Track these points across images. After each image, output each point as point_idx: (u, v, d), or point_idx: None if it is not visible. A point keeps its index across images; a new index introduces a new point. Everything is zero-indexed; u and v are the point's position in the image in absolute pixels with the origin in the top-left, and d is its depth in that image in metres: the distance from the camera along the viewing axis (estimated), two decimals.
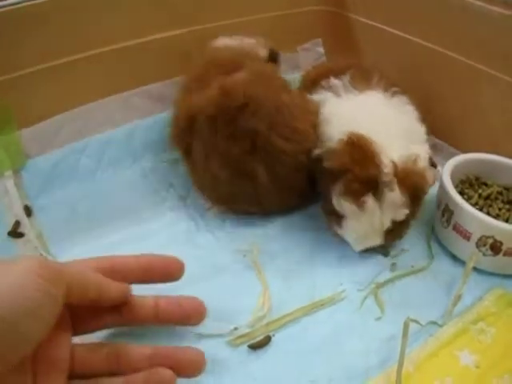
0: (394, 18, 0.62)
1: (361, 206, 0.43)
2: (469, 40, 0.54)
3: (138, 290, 0.37)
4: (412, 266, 0.47)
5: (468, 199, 0.48)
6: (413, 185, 0.42)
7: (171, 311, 0.37)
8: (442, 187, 0.48)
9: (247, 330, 0.40)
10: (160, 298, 0.38)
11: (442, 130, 0.61)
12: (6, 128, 0.52)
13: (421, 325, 0.40)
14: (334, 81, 0.51)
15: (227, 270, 0.46)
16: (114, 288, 0.35)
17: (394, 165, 0.42)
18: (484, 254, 0.45)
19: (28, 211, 0.51)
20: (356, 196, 0.43)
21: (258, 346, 0.39)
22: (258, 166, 0.47)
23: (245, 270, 0.46)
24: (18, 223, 0.50)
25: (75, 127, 0.56)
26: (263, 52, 0.52)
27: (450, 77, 0.57)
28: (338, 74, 0.51)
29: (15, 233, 0.49)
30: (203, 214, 0.53)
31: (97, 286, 0.34)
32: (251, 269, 0.46)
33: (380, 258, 0.48)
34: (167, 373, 0.33)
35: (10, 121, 0.52)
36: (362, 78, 0.50)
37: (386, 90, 0.49)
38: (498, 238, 0.43)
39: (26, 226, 0.49)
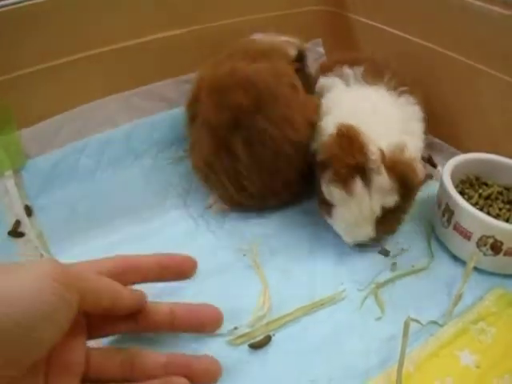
0: (394, 18, 0.62)
1: (349, 191, 0.43)
2: (468, 40, 0.54)
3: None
4: (412, 266, 0.47)
5: (468, 199, 0.48)
6: (401, 173, 0.43)
7: (186, 319, 0.37)
8: (442, 187, 0.48)
9: (247, 330, 0.40)
10: (176, 304, 0.37)
11: (442, 130, 0.61)
12: (6, 128, 0.52)
13: (421, 324, 0.40)
14: (346, 69, 0.51)
15: (227, 270, 0.46)
16: (128, 296, 0.34)
17: (382, 152, 0.43)
18: (484, 254, 0.45)
19: (28, 211, 0.51)
20: (344, 181, 0.43)
21: (258, 346, 0.39)
22: (238, 142, 0.48)
23: (245, 270, 0.46)
24: (18, 223, 0.50)
25: (75, 127, 0.56)
26: (293, 51, 0.53)
27: (450, 77, 0.57)
28: (353, 64, 0.52)
29: (15, 232, 0.49)
30: (203, 214, 0.53)
31: (111, 295, 0.33)
32: (251, 268, 0.46)
33: (380, 257, 0.48)
34: (182, 381, 0.33)
35: (10, 121, 0.52)
36: (375, 73, 0.50)
37: (394, 88, 0.49)
38: (499, 237, 0.43)
39: (27, 226, 0.49)
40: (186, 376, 0.34)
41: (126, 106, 0.59)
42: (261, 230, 0.51)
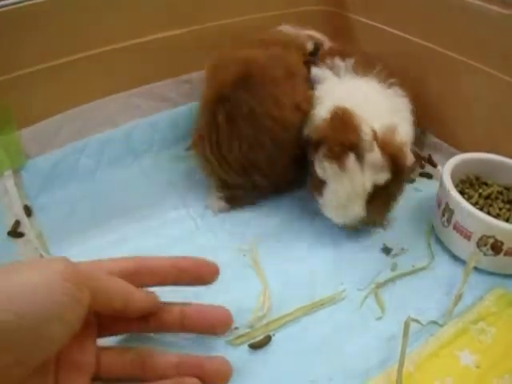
0: (394, 17, 0.62)
1: (342, 166, 0.44)
2: (468, 39, 0.54)
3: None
4: (412, 266, 0.47)
5: (468, 199, 0.48)
6: (391, 153, 0.44)
7: (196, 320, 0.37)
8: (442, 186, 0.48)
9: (247, 330, 0.40)
10: (186, 305, 0.37)
11: (442, 130, 0.61)
12: (6, 128, 0.52)
13: (421, 324, 0.40)
14: (337, 61, 0.52)
15: (227, 270, 0.46)
16: (140, 299, 0.34)
17: (374, 132, 0.44)
18: (485, 254, 0.45)
19: (28, 211, 0.51)
20: (338, 157, 0.44)
21: (258, 346, 0.39)
22: (221, 114, 0.49)
23: (245, 270, 0.46)
24: (17, 223, 0.50)
25: (75, 127, 0.56)
26: (309, 45, 0.56)
27: (450, 76, 0.57)
28: (344, 56, 0.53)
29: (15, 233, 0.49)
30: (203, 214, 0.53)
31: (123, 297, 0.33)
32: (251, 268, 0.46)
33: (380, 257, 0.48)
34: (194, 382, 0.33)
35: (10, 121, 0.52)
36: (365, 65, 0.51)
37: (384, 79, 0.50)
38: (499, 237, 0.43)
39: (26, 226, 0.49)
40: (197, 376, 0.34)
41: (126, 106, 0.59)
42: (261, 230, 0.51)
